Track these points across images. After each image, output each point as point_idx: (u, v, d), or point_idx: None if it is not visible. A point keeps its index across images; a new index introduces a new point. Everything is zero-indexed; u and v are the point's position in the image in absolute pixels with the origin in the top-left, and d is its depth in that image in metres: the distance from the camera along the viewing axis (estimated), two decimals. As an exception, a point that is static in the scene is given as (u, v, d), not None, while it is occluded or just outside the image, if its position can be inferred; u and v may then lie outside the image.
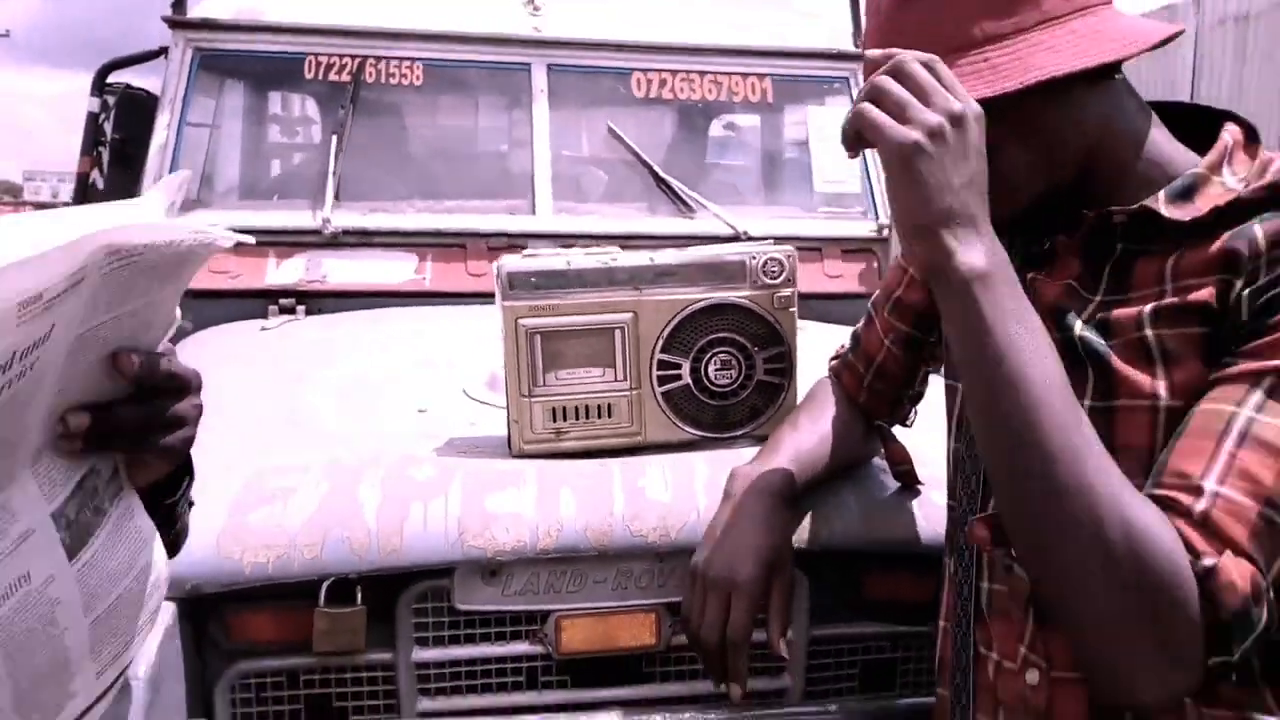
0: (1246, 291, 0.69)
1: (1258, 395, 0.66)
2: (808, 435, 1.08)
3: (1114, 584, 0.65)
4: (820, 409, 1.11)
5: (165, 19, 2.20)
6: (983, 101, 0.71)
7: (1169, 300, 0.72)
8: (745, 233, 2.05)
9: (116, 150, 2.33)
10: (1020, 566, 0.77)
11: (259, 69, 2.35)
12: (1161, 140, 0.79)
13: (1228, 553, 0.64)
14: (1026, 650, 0.78)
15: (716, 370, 1.21)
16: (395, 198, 2.18)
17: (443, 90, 2.35)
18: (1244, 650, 0.64)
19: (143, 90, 2.37)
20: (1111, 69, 0.77)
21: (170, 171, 2.13)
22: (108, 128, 2.35)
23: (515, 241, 2.01)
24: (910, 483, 1.12)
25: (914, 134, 0.68)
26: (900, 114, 0.68)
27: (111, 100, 2.34)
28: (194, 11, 2.21)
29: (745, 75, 2.35)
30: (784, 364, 1.22)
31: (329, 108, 2.31)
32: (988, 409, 0.70)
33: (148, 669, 0.91)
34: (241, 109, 2.49)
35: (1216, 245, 0.71)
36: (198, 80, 2.21)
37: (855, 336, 1.14)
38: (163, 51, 2.31)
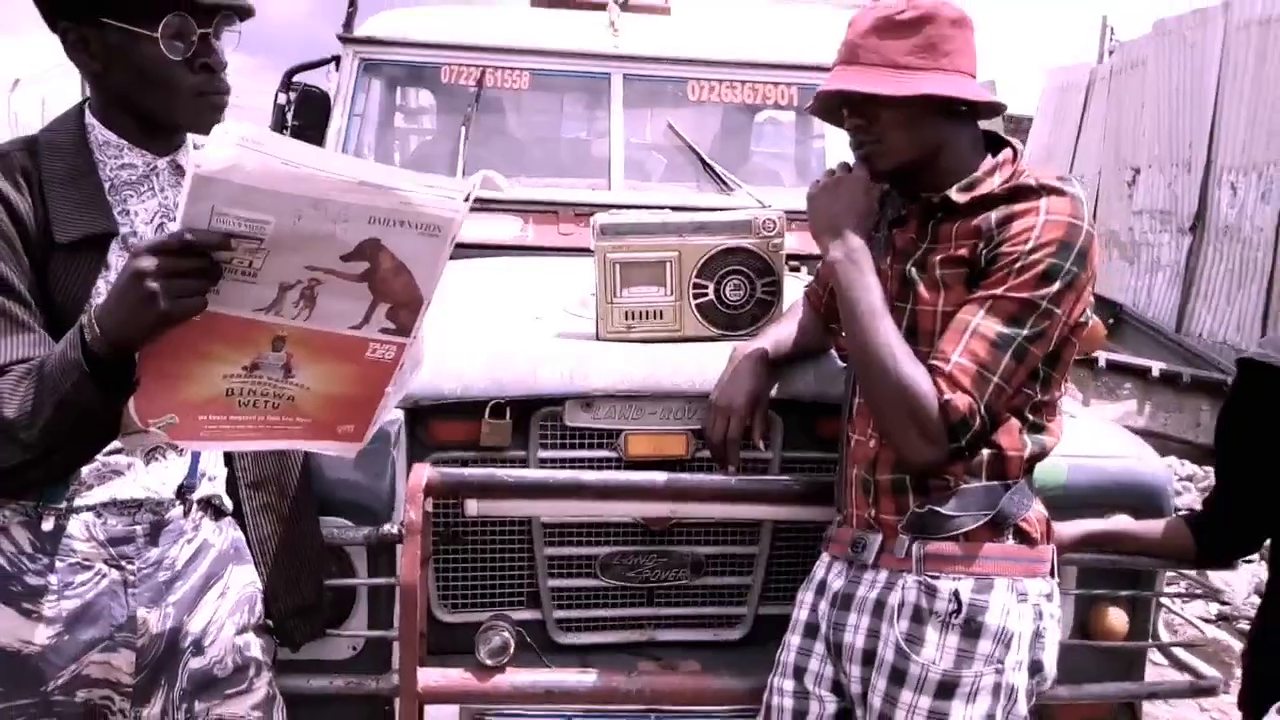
0: (984, 251, 1.31)
1: (984, 310, 1.28)
2: (785, 328, 1.71)
3: (900, 404, 1.28)
4: (794, 314, 1.74)
5: (339, 36, 2.88)
6: (891, 98, 1.32)
7: (950, 253, 1.34)
8: (763, 204, 2.66)
9: (296, 134, 3.01)
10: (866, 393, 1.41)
11: (406, 75, 3.02)
12: (969, 153, 1.40)
13: (959, 392, 1.26)
14: (871, 431, 1.40)
15: (730, 291, 1.84)
16: (506, 174, 2.82)
17: (542, 92, 2.99)
18: (967, 441, 1.27)
19: (317, 88, 3.05)
20: (960, 109, 1.37)
21: (341, 149, 2.81)
22: (289, 117, 3.04)
23: (595, 210, 2.64)
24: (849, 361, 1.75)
25: (812, 190, 1.33)
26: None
27: (293, 96, 3.03)
28: (360, 31, 2.89)
29: (776, 84, 2.95)
30: (775, 288, 1.84)
31: (457, 104, 2.94)
32: (847, 321, 1.34)
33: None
34: (393, 105, 3.16)
35: (975, 221, 1.33)
36: (361, 82, 2.89)
37: (817, 272, 1.76)
38: (335, 60, 2.99)
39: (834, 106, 1.40)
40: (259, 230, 1.00)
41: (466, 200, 1.08)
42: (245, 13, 1.30)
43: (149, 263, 1.01)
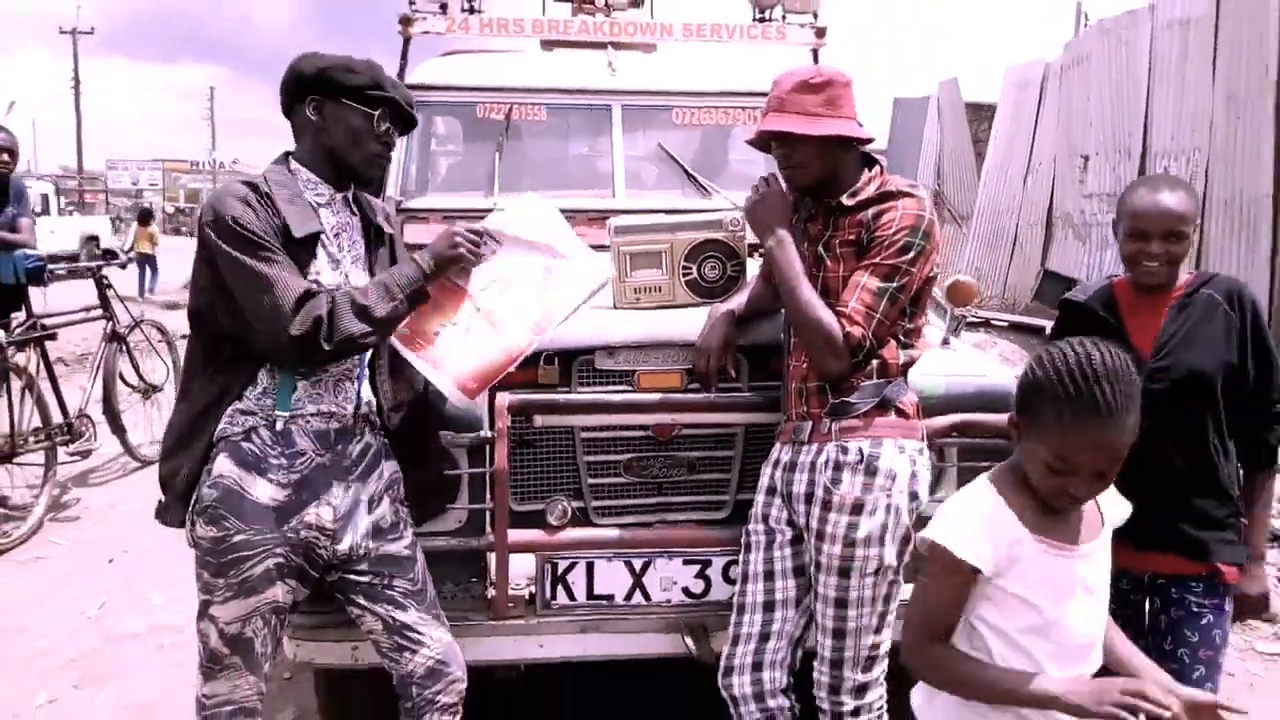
0: (865, 236, 1.97)
1: (867, 273, 1.94)
2: (749, 293, 2.37)
3: (818, 337, 1.94)
4: (756, 283, 2.40)
5: (394, 83, 3.53)
6: (807, 136, 1.98)
7: (845, 238, 2.01)
8: (736, 206, 3.32)
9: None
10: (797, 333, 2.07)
11: (447, 112, 3.68)
12: (854, 170, 2.05)
13: (854, 326, 1.92)
14: (802, 357, 2.06)
15: (709, 270, 2.50)
16: (531, 188, 3.47)
17: (556, 121, 3.64)
18: (861, 357, 1.93)
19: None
20: (850, 143, 2.03)
21: (401, 180, 3.46)
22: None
23: (604, 214, 3.29)
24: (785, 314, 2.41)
25: (746, 203, 2.02)
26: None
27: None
28: (410, 78, 3.55)
29: (742, 108, 3.61)
30: (740, 268, 2.51)
31: (488, 132, 3.59)
32: (781, 287, 2.01)
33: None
34: (430, 133, 3.82)
35: (859, 216, 1.99)
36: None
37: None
38: (415, 124, 3.63)
39: (765, 141, 2.07)
40: (499, 238, 1.89)
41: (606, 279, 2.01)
42: (414, 124, 2.04)
43: (461, 231, 1.94)
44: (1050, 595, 1.45)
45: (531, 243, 1.99)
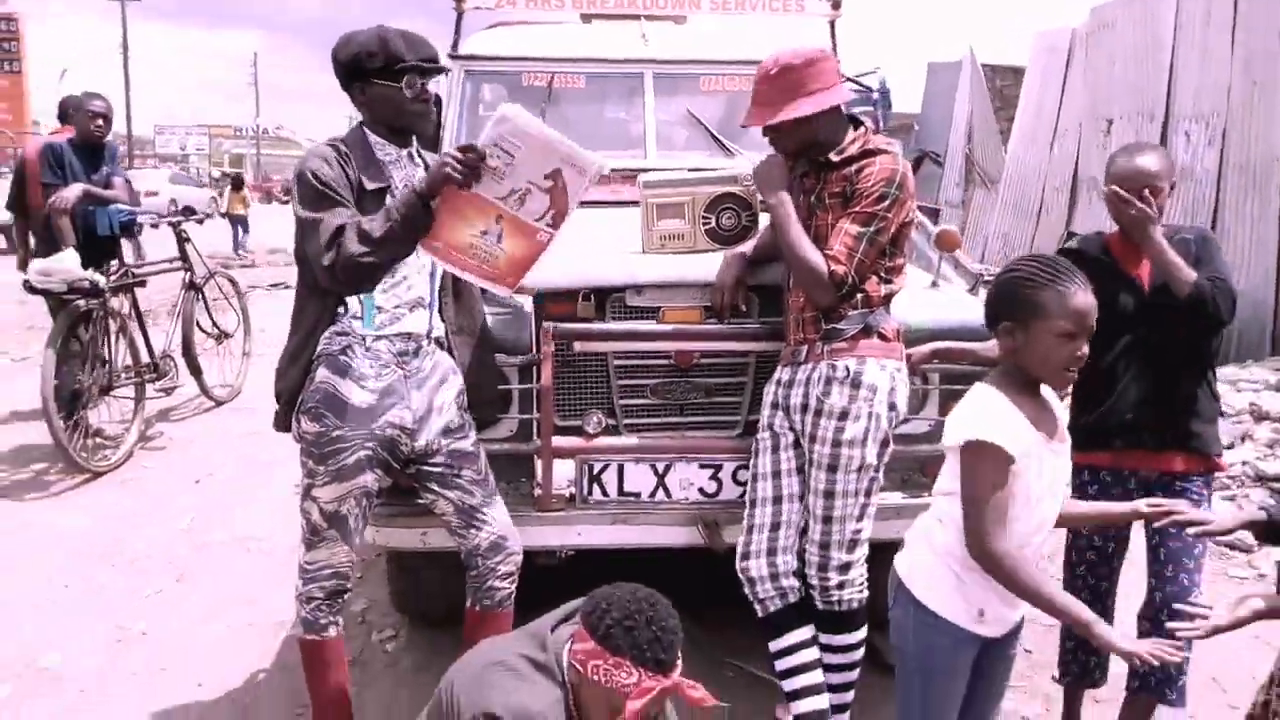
0: (849, 188, 2.29)
1: (849, 220, 2.27)
2: (759, 240, 2.70)
3: (809, 275, 2.27)
4: (766, 231, 2.73)
5: (449, 55, 3.88)
6: (791, 121, 2.31)
7: (832, 190, 2.32)
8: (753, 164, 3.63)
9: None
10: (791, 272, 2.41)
11: (494, 80, 4.02)
12: (839, 131, 2.36)
13: (839, 265, 2.24)
14: (799, 292, 2.39)
15: (725, 220, 2.83)
16: (571, 149, 3.81)
17: (595, 88, 3.97)
18: (846, 291, 2.26)
19: (435, 93, 4.05)
20: (836, 109, 2.36)
21: (455, 140, 3.81)
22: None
23: (638, 173, 3.61)
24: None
25: (755, 168, 2.36)
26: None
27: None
28: (464, 49, 3.89)
29: (764, 76, 3.90)
30: (753, 218, 2.83)
31: (531, 99, 3.91)
32: (780, 234, 2.34)
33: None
34: (478, 99, 4.16)
35: (844, 171, 2.31)
36: (465, 87, 3.90)
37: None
38: (445, 70, 3.99)
39: None
40: (511, 152, 2.09)
41: (602, 168, 2.16)
42: (441, 69, 2.33)
43: (451, 155, 2.10)
44: (1041, 482, 1.74)
45: (539, 143, 2.15)
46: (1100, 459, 2.46)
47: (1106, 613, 2.54)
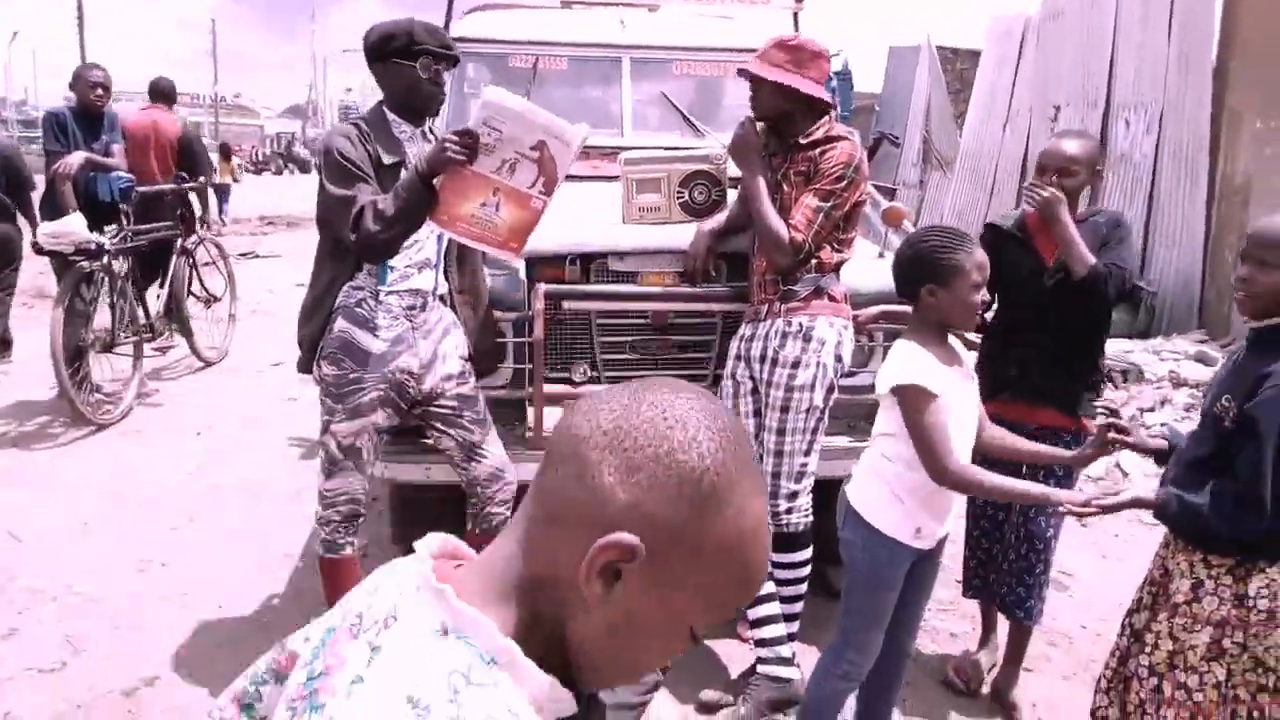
0: (811, 168, 2.60)
1: (810, 195, 2.58)
2: (728, 214, 3.00)
3: (772, 241, 2.59)
4: (734, 206, 3.03)
5: (441, 36, 4.10)
6: (763, 79, 2.59)
7: (798, 169, 2.64)
8: (723, 145, 3.93)
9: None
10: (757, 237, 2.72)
11: (481, 61, 4.26)
12: (809, 118, 2.66)
13: (797, 233, 2.56)
14: (762, 256, 2.71)
15: (698, 194, 3.13)
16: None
17: (576, 70, 4.22)
18: (802, 256, 2.58)
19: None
20: (803, 97, 2.65)
21: (445, 115, 4.05)
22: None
23: (616, 150, 3.89)
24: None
25: (730, 141, 2.64)
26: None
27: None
28: (454, 32, 4.13)
29: (732, 61, 4.18)
30: (723, 193, 3.13)
31: (516, 79, 4.17)
32: (750, 205, 2.65)
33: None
34: (463, 79, 4.40)
35: (809, 153, 2.62)
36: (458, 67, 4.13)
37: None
38: (457, 60, 4.23)
39: (753, 77, 2.67)
40: (499, 129, 2.33)
41: (584, 136, 2.39)
42: (454, 57, 2.59)
43: (449, 138, 2.34)
44: (959, 412, 2.09)
45: (520, 118, 2.38)
46: (987, 408, 2.80)
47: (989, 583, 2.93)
